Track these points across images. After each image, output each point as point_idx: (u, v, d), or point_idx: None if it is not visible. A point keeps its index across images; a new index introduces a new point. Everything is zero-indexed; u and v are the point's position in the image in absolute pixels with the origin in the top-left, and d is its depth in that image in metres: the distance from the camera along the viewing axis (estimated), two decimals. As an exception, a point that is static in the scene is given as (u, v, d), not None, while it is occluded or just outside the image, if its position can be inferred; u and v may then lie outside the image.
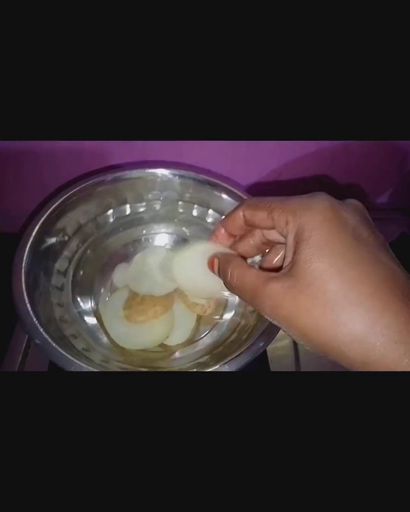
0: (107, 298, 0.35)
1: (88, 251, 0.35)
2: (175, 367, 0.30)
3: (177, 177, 0.34)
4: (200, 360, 0.30)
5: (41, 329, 0.25)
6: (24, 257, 0.28)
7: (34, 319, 0.26)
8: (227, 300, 0.36)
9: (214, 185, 0.34)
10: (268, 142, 0.40)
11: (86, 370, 0.24)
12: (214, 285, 0.34)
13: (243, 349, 0.26)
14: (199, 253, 0.36)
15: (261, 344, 0.26)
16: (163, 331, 0.33)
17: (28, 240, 0.29)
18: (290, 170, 0.45)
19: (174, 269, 0.34)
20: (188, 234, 0.38)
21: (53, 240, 0.31)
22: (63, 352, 0.25)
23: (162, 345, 0.33)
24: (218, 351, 0.31)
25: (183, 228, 0.38)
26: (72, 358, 0.25)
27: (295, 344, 0.37)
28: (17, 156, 0.38)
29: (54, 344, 0.25)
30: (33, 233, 0.29)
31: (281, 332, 0.34)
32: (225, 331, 0.33)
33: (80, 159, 0.39)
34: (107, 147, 0.38)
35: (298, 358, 0.36)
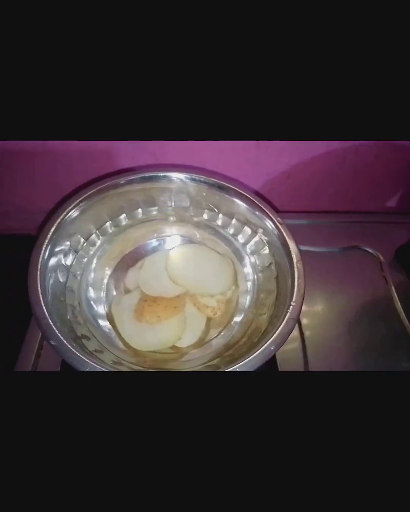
0: (119, 300, 0.35)
1: (101, 254, 0.35)
2: (186, 368, 0.31)
3: (190, 180, 0.34)
4: (211, 362, 0.31)
5: (56, 331, 0.26)
6: (40, 258, 0.29)
7: (50, 320, 0.26)
8: (237, 302, 0.36)
9: (225, 189, 0.34)
10: (278, 143, 0.40)
11: (98, 370, 0.25)
12: (215, 283, 0.35)
13: (254, 353, 0.26)
14: (205, 257, 0.37)
15: (272, 348, 0.26)
16: (174, 332, 0.33)
17: (44, 241, 0.30)
18: (299, 171, 0.45)
19: (183, 271, 0.35)
20: (198, 237, 0.38)
21: (67, 242, 0.32)
22: (77, 353, 0.26)
23: (173, 347, 0.33)
24: (228, 353, 0.32)
25: (195, 231, 0.38)
26: (86, 359, 0.25)
27: (303, 345, 0.37)
28: (32, 156, 0.39)
29: (68, 345, 0.26)
30: (49, 234, 0.30)
31: (291, 334, 0.35)
32: (236, 333, 0.34)
33: (94, 159, 0.40)
34: (120, 147, 0.39)
35: (307, 360, 0.36)
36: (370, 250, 0.45)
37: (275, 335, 0.27)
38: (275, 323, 0.29)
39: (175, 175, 0.34)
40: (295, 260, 0.31)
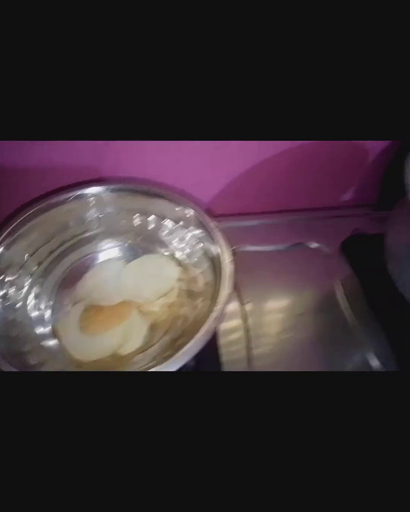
0: (65, 314, 0.37)
1: (41, 279, 0.37)
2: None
3: (110, 191, 0.36)
4: (149, 364, 0.32)
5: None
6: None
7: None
8: (182, 305, 0.38)
9: (149, 193, 0.36)
10: (231, 147, 0.42)
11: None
12: (156, 288, 0.37)
13: (177, 352, 0.27)
14: (143, 263, 0.38)
15: (194, 348, 0.28)
16: (117, 339, 0.34)
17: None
18: (256, 173, 0.46)
19: (123, 278, 0.37)
20: (132, 242, 0.40)
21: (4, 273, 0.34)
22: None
23: (116, 354, 0.35)
24: (166, 354, 0.33)
25: (128, 239, 0.40)
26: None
27: (248, 343, 0.38)
28: None
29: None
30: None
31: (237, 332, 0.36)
32: (175, 335, 0.35)
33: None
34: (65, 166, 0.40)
35: (251, 357, 0.38)
36: (317, 245, 0.47)
37: (199, 335, 0.28)
38: (204, 322, 0.30)
39: (95, 189, 0.36)
40: (225, 261, 0.33)
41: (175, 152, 0.40)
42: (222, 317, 0.30)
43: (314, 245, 0.47)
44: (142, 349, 0.35)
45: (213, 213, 0.39)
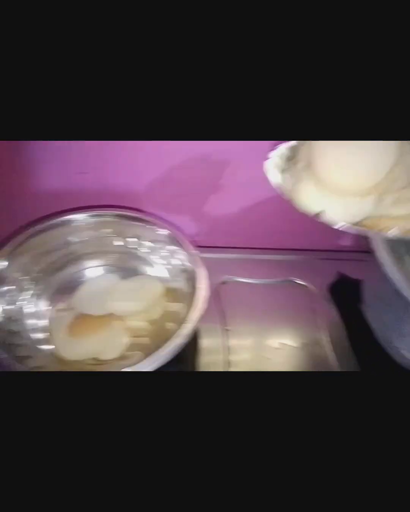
0: (57, 317, 0.41)
1: (37, 294, 0.42)
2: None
3: (93, 217, 0.43)
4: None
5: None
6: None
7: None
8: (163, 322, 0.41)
9: (127, 217, 0.42)
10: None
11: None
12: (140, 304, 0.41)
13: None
14: (131, 281, 0.43)
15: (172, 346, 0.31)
16: (97, 345, 0.38)
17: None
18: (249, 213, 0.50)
19: (111, 293, 0.41)
20: (113, 261, 0.46)
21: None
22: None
23: (96, 359, 0.38)
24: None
25: (111, 258, 0.46)
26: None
27: (227, 361, 0.41)
28: None
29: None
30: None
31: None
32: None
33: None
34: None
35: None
36: (303, 283, 0.49)
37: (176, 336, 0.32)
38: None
39: (79, 216, 0.43)
40: (200, 286, 0.36)
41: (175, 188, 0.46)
42: (185, 336, 0.33)
43: (302, 282, 0.49)
44: (122, 358, 0.38)
45: (203, 243, 0.43)
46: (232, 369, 0.40)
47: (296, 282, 0.49)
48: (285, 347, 0.43)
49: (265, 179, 0.31)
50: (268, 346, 0.43)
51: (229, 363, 0.40)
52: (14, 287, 0.40)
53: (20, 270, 0.41)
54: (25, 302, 0.41)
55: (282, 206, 0.49)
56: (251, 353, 0.42)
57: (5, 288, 0.39)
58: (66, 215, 0.43)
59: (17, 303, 0.40)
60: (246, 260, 0.52)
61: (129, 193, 0.46)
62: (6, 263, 0.39)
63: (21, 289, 0.41)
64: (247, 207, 0.50)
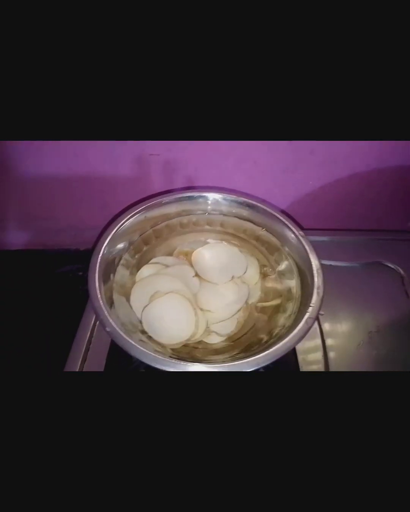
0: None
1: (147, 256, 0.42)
2: (213, 360, 0.35)
3: (222, 200, 0.41)
4: (238, 354, 0.35)
5: (111, 320, 0.31)
6: (98, 260, 0.35)
7: (105, 311, 0.32)
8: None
9: (253, 207, 0.40)
10: (303, 169, 0.45)
11: (147, 354, 0.30)
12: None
13: (274, 346, 0.30)
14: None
15: (291, 343, 0.30)
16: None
17: (99, 252, 0.35)
18: (325, 193, 0.49)
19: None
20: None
21: (116, 252, 0.38)
22: (128, 339, 0.31)
23: (202, 342, 0.38)
24: (253, 350, 0.35)
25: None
26: (135, 344, 0.30)
27: (325, 353, 0.40)
28: (83, 180, 0.45)
29: (120, 332, 0.31)
30: (103, 247, 0.36)
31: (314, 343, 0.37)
32: (260, 334, 0.38)
33: (135, 183, 0.46)
34: (157, 173, 0.45)
35: (328, 367, 0.39)
36: (392, 266, 0.48)
37: (295, 331, 0.31)
38: (296, 324, 0.33)
39: (210, 195, 0.40)
40: (314, 268, 0.35)
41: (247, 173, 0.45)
42: (314, 318, 0.32)
43: (390, 264, 0.48)
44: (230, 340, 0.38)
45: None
46: (327, 354, 0.40)
47: (386, 265, 0.48)
48: (377, 333, 0.42)
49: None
50: (361, 332, 0.42)
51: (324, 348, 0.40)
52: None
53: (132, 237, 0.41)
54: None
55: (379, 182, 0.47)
56: (344, 338, 0.42)
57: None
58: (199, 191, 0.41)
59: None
60: (329, 242, 0.51)
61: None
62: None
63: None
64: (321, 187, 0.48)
